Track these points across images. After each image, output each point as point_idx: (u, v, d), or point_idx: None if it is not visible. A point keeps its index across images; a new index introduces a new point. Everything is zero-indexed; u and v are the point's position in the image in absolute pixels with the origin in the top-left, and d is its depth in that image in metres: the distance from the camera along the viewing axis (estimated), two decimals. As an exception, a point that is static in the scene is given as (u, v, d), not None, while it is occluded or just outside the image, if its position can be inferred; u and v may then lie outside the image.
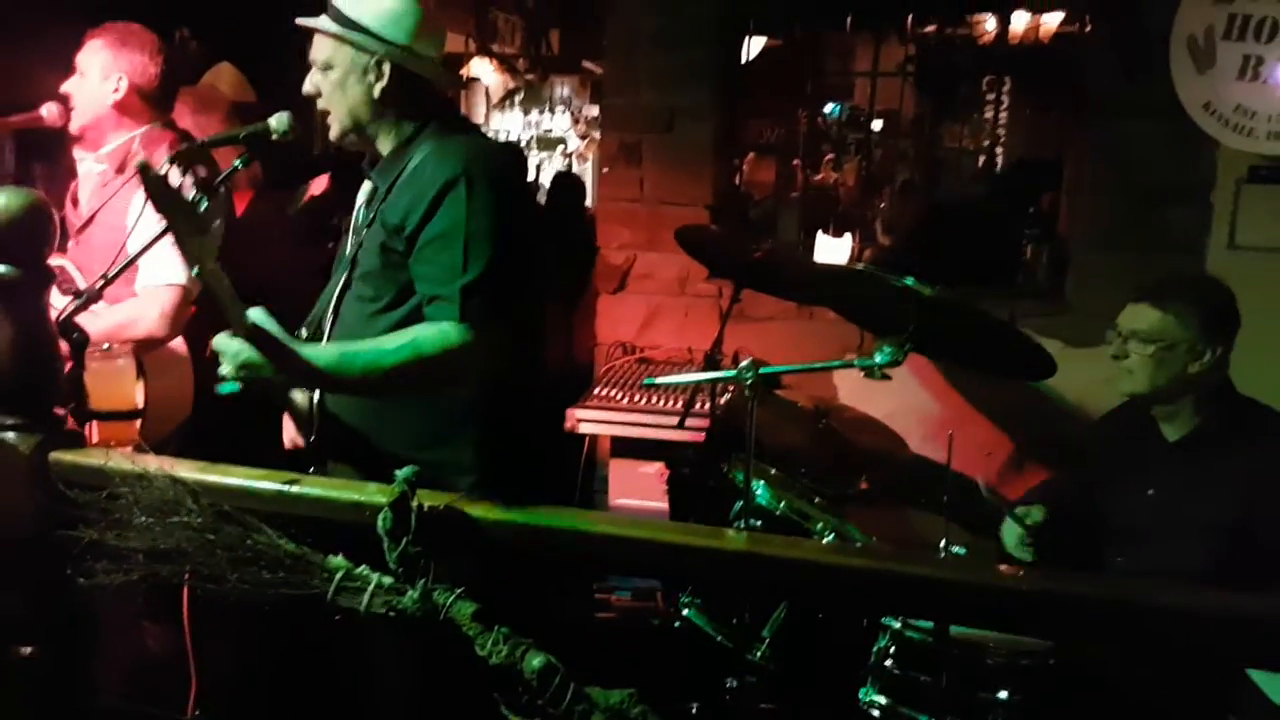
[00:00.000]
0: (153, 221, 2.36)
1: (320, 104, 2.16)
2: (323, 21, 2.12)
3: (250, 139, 2.16)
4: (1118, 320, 2.46)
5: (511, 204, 2.08)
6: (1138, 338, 2.40)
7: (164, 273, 2.60)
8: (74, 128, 2.78)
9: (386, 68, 2.09)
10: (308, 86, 2.16)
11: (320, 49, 2.14)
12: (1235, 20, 3.36)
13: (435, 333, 1.96)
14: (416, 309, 2.06)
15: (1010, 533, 2.58)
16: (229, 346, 1.92)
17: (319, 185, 3.90)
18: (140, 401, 2.41)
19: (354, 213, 2.28)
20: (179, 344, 2.77)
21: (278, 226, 3.59)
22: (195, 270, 1.84)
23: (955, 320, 2.37)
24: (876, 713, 2.35)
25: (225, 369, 1.94)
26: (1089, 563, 2.51)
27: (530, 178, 8.11)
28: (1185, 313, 2.37)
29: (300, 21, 2.16)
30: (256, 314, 1.89)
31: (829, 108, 7.62)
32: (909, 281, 2.27)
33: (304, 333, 2.23)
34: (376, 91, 2.11)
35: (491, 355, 1.99)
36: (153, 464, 1.57)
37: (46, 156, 3.23)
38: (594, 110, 11.71)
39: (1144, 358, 2.39)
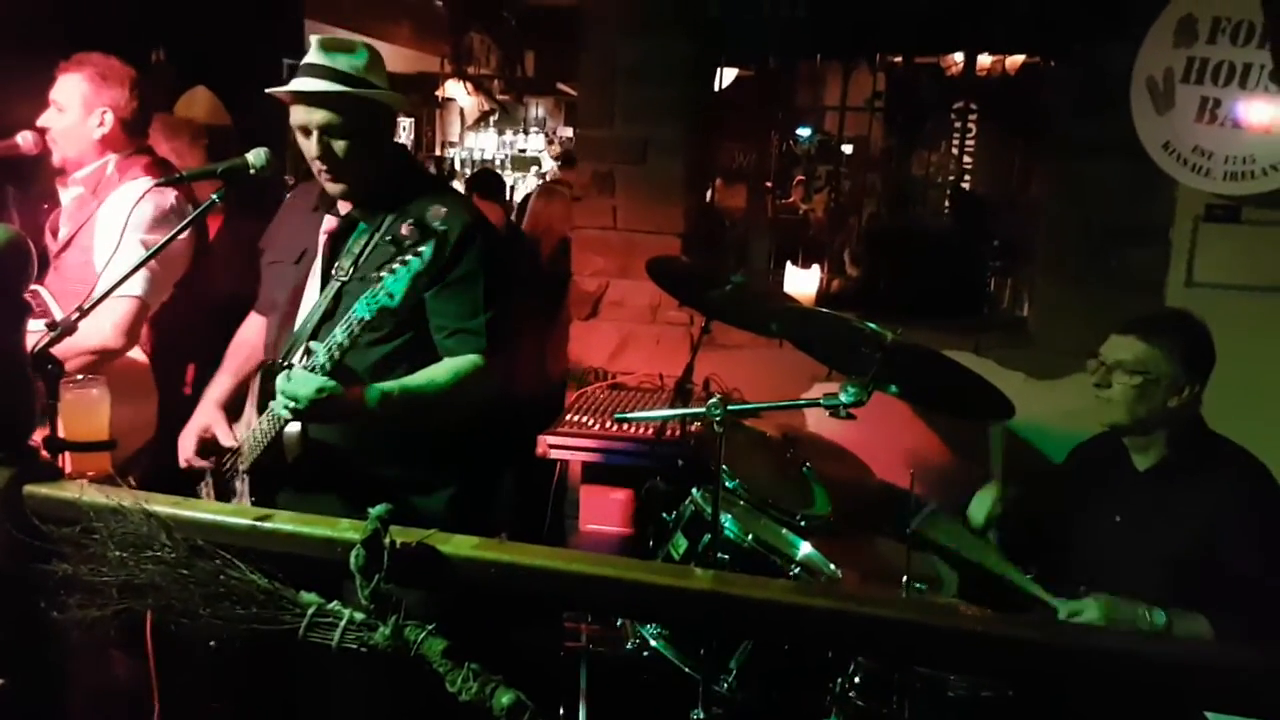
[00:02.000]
0: (114, 239, 2.37)
1: (334, 168, 2.18)
2: (333, 84, 2.11)
3: (228, 174, 2.18)
4: (1101, 350, 2.50)
5: (499, 248, 2.35)
6: (1123, 368, 2.43)
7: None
8: (56, 161, 2.78)
9: (398, 118, 2.19)
10: (314, 150, 2.16)
11: (320, 114, 2.13)
12: (1194, 63, 3.43)
13: (468, 363, 2.24)
14: (412, 340, 2.24)
15: (980, 504, 2.64)
16: (307, 383, 2.02)
17: None
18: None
19: (324, 247, 2.31)
20: (143, 365, 2.77)
21: (249, 251, 3.58)
22: None
23: (918, 363, 2.42)
24: (841, 743, 2.37)
25: (293, 403, 2.02)
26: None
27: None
28: (1171, 347, 2.41)
29: (300, 88, 2.12)
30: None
31: (801, 132, 7.73)
32: (872, 326, 2.32)
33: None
34: (386, 142, 2.25)
35: (498, 376, 2.28)
36: (127, 498, 1.58)
37: (20, 180, 3.22)
38: (568, 131, 11.78)
39: (1127, 388, 2.43)
